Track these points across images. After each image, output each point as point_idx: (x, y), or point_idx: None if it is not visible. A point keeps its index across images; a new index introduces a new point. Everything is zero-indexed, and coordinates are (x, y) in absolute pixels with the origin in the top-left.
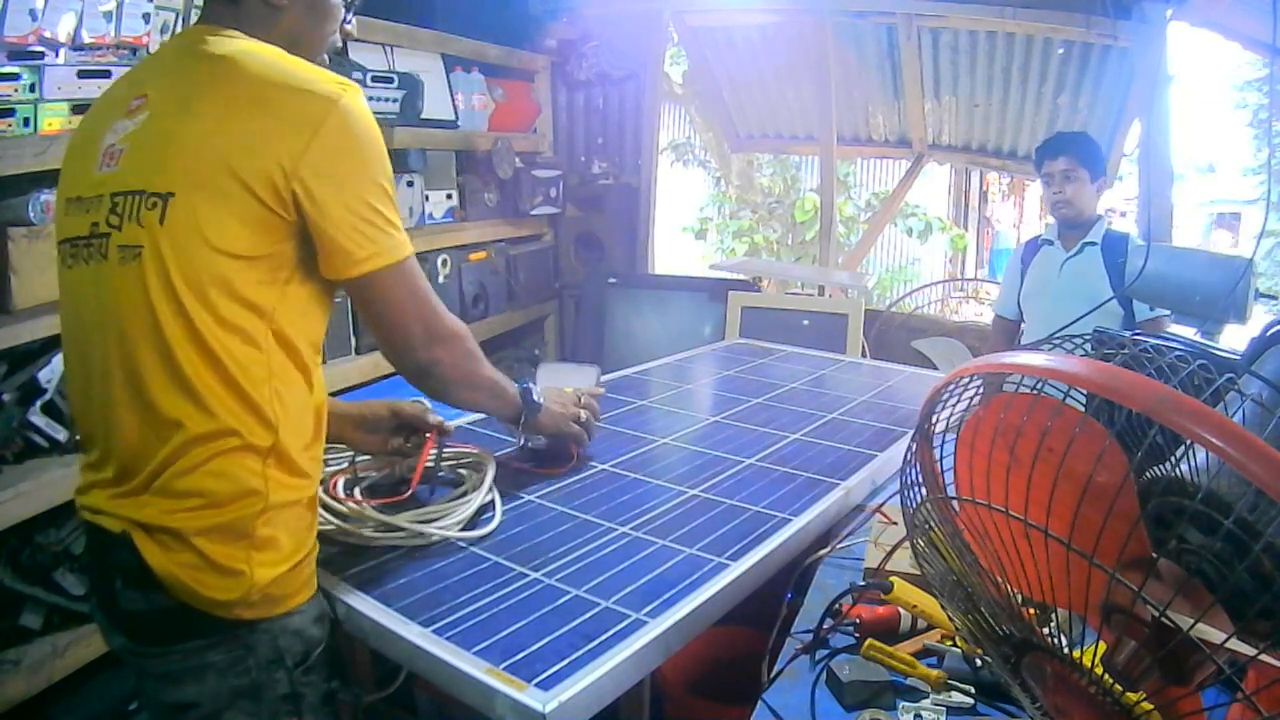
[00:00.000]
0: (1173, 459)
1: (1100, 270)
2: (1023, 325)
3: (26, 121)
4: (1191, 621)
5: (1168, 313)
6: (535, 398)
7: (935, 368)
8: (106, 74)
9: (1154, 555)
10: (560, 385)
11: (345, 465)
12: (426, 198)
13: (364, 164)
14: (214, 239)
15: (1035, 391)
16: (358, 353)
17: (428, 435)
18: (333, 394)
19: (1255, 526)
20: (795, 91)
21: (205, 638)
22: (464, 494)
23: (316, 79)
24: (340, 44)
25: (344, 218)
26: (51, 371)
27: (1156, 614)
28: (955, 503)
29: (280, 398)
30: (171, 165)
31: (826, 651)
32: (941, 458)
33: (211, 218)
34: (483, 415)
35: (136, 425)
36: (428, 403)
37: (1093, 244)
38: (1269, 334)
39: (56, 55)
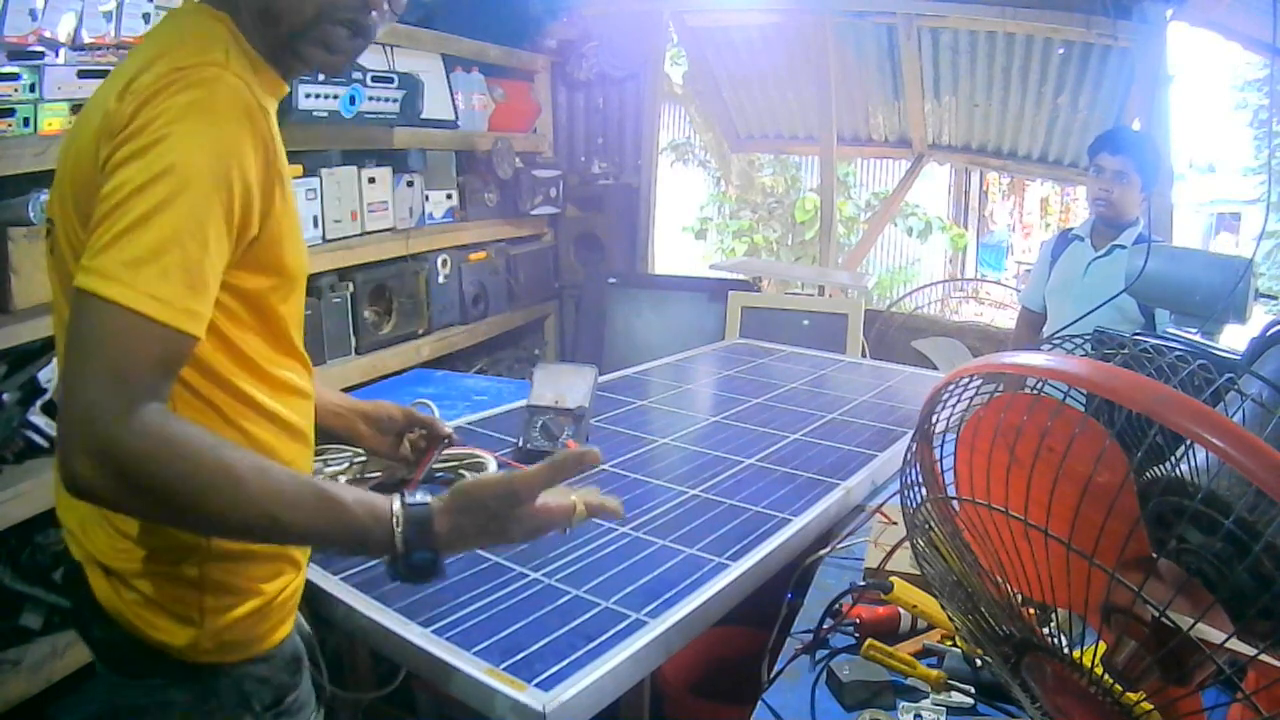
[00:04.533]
0: (1173, 459)
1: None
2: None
3: (26, 121)
4: (1191, 621)
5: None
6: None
7: (935, 368)
8: (106, 74)
9: (1154, 555)
10: (558, 386)
11: (346, 465)
12: (426, 198)
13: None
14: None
15: (1035, 392)
16: (358, 352)
17: (440, 440)
18: None
19: (1255, 526)
20: (795, 91)
21: (165, 675)
22: None
23: (170, 61)
24: (366, 23)
25: (115, 208)
26: (51, 371)
27: (1156, 614)
28: (955, 503)
29: None
30: (56, 188)
31: (826, 651)
32: (941, 458)
33: (70, 249)
34: (483, 415)
35: None
36: (436, 410)
37: (1123, 248)
38: (1269, 334)
39: (56, 55)
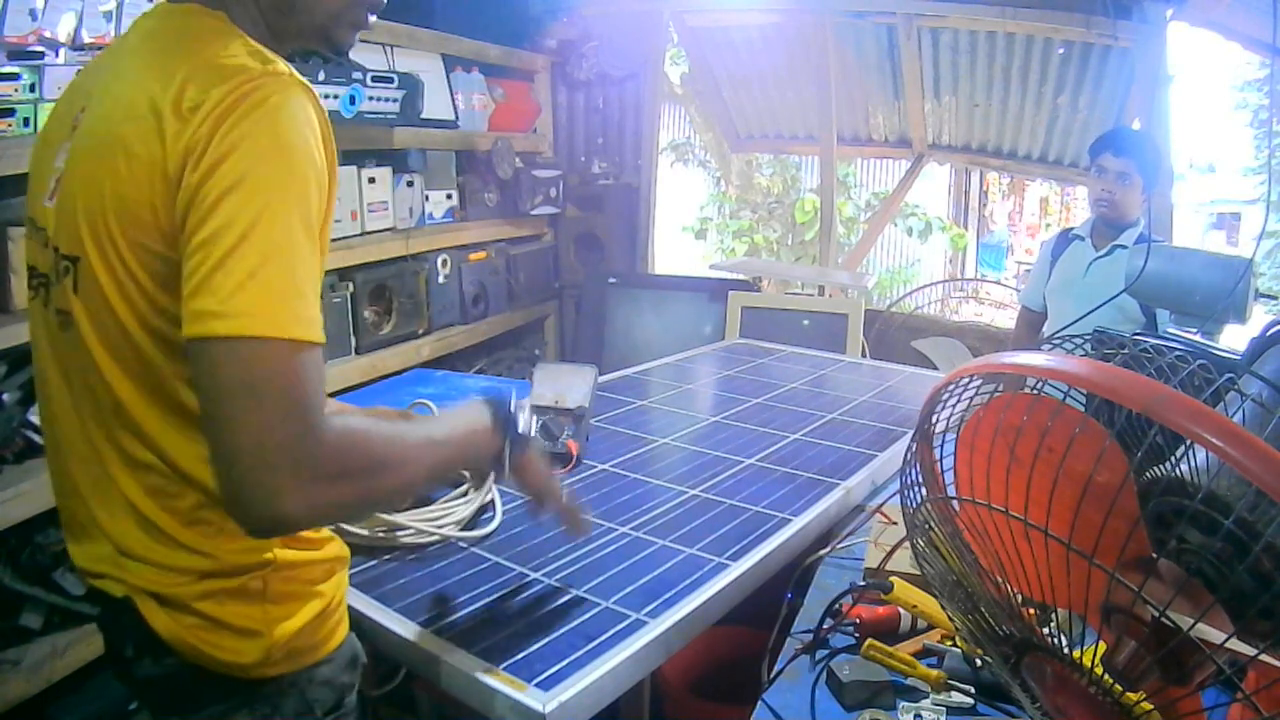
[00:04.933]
0: (1173, 459)
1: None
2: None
3: (26, 121)
4: (1191, 621)
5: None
6: (520, 428)
7: (935, 368)
8: None
9: (1154, 555)
10: (558, 386)
11: None
12: (426, 198)
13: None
14: (121, 310)
15: (1035, 392)
16: (358, 352)
17: None
18: (333, 394)
19: (1255, 526)
20: (795, 91)
21: (226, 702)
22: (464, 494)
23: (224, 74)
24: (366, 21)
25: (216, 251)
26: None
27: (1156, 614)
28: (955, 503)
29: None
30: (78, 218)
31: (826, 651)
32: (941, 458)
33: (114, 283)
34: None
35: (114, 512)
36: (437, 412)
37: (1123, 247)
38: (1269, 334)
39: (56, 55)
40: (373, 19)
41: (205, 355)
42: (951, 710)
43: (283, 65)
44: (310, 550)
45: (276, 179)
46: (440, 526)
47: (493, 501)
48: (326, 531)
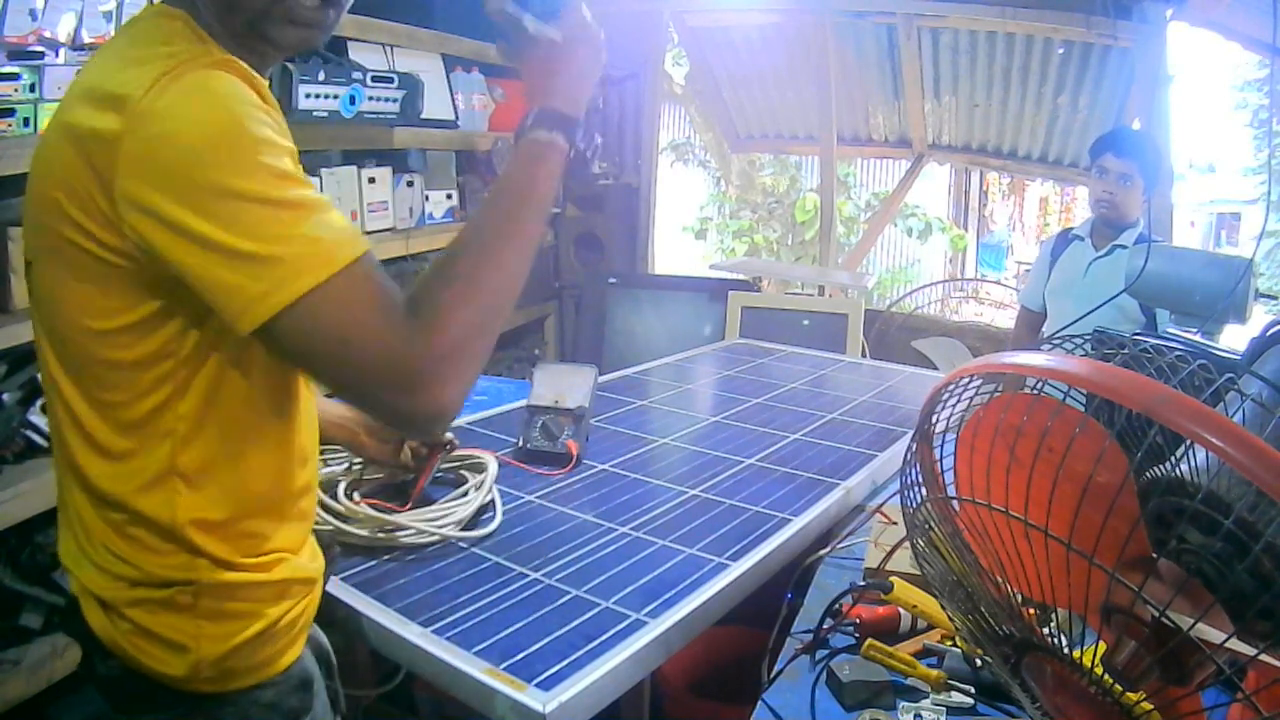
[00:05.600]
0: (1173, 459)
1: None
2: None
3: (26, 121)
4: (1191, 621)
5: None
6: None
7: (935, 368)
8: None
9: (1154, 555)
10: (558, 386)
11: (345, 467)
12: (426, 198)
13: (196, 169)
14: (68, 312)
15: (1035, 392)
16: None
17: (442, 447)
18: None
19: (1255, 526)
20: (795, 91)
21: (169, 710)
22: (464, 494)
23: (132, 67)
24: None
25: (196, 250)
26: None
27: (1156, 614)
28: (955, 503)
29: (189, 498)
30: (29, 219)
31: (826, 651)
32: (941, 458)
33: (59, 284)
34: (483, 415)
35: (79, 511)
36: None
37: (1123, 247)
38: (1269, 334)
39: (56, 55)
40: (326, 15)
41: (277, 333)
42: (951, 710)
43: (194, 49)
44: (252, 572)
45: (218, 159)
46: (440, 526)
47: (493, 501)
48: (277, 553)
